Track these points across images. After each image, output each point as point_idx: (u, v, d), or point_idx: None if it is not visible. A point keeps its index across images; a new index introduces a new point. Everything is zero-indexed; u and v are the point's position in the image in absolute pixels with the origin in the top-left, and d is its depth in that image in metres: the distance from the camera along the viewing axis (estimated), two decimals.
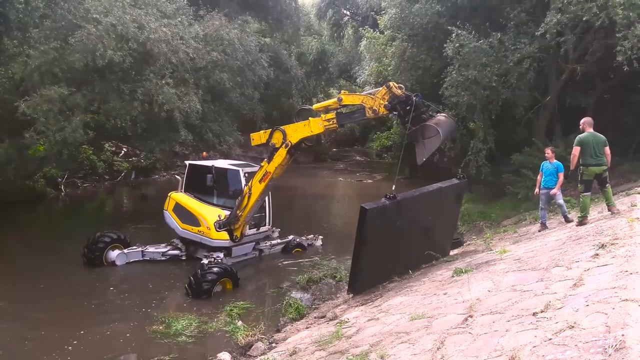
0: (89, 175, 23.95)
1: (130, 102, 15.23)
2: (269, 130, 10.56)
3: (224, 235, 11.28)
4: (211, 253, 11.55)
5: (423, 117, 8.55)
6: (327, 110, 9.65)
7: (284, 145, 10.09)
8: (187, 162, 13.72)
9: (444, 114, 8.91)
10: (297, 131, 10.01)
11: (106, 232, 12.06)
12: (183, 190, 12.91)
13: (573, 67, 15.32)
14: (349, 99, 9.21)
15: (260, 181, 10.56)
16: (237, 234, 11.29)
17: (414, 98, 8.42)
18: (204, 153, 15.03)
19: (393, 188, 8.05)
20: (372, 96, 8.89)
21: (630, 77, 14.24)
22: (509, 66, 14.80)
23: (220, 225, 11.08)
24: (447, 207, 9.41)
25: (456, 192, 9.58)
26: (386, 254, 8.36)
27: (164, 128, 16.69)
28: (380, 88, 9.01)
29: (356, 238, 7.87)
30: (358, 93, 9.37)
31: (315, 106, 10.04)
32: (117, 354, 7.40)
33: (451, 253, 10.93)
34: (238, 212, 10.91)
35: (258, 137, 10.82)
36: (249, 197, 10.69)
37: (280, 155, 10.18)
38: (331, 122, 9.51)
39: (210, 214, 11.59)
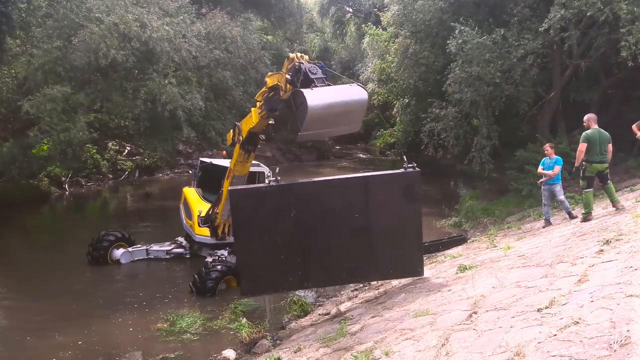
0: (93, 174, 24.02)
1: (133, 100, 15.28)
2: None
3: (205, 231, 11.33)
4: (215, 251, 11.57)
5: (312, 86, 7.17)
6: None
7: (237, 141, 9.63)
8: (200, 159, 13.85)
9: (355, 83, 7.41)
10: (245, 124, 9.42)
11: (110, 230, 12.09)
12: (195, 186, 13.03)
13: (577, 63, 15.27)
14: (270, 80, 8.16)
15: (227, 178, 10.51)
16: (219, 231, 11.22)
17: (302, 65, 7.29)
18: (224, 152, 15.00)
19: (277, 171, 7.30)
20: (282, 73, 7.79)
21: (635, 73, 14.19)
22: (513, 62, 14.75)
23: (201, 221, 11.08)
24: (390, 205, 7.24)
25: (402, 185, 7.30)
26: (286, 253, 7.11)
27: (167, 126, 16.73)
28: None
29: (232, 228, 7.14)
30: (280, 72, 8.03)
31: (257, 96, 9.06)
32: (122, 352, 7.42)
33: (454, 250, 10.96)
34: (215, 209, 10.90)
35: (229, 137, 10.37)
36: (222, 194, 10.66)
37: (236, 152, 9.77)
38: (262, 110, 8.60)
39: (201, 209, 11.69)
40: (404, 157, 7.61)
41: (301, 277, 7.31)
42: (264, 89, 8.50)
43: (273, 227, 7.03)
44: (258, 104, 8.78)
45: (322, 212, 7.17)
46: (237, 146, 9.67)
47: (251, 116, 9.13)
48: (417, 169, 7.24)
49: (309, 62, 7.36)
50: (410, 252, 7.42)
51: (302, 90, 6.92)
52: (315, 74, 7.22)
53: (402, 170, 7.32)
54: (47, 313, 8.80)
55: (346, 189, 7.44)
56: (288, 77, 7.37)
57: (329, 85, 7.31)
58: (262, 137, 9.60)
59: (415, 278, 8.08)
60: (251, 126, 9.17)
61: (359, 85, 7.33)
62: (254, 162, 12.87)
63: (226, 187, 10.38)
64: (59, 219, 18.65)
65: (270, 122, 8.89)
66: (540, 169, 10.41)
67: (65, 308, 9.05)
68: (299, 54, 7.60)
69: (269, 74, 8.53)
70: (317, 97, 6.85)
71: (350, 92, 7.25)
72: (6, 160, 15.94)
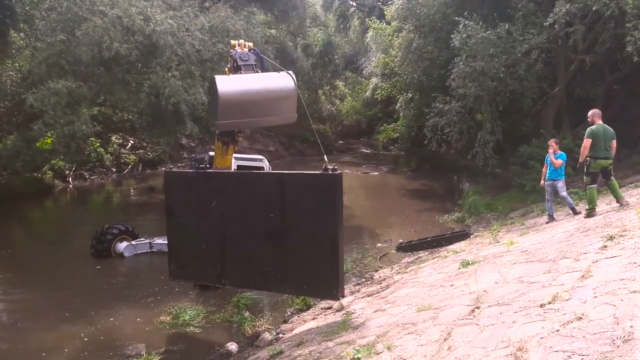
0: (96, 167, 24.10)
1: (137, 94, 15.27)
2: None
3: None
4: None
5: (238, 72, 6.98)
6: None
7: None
8: (209, 153, 13.79)
9: (285, 71, 6.80)
10: None
11: (114, 224, 12.12)
12: None
13: (582, 58, 15.18)
14: (227, 70, 8.03)
15: None
16: None
17: (232, 52, 7.04)
18: (235, 147, 14.88)
19: (206, 158, 7.19)
20: None
21: None
22: (517, 57, 14.67)
23: None
24: (305, 211, 6.30)
25: (318, 189, 6.25)
26: (208, 246, 6.99)
27: (171, 120, 16.72)
28: None
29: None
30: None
31: None
32: (125, 344, 7.46)
33: (457, 245, 10.95)
34: None
35: None
36: None
37: (215, 143, 9.83)
38: None
39: None
40: (325, 157, 6.49)
41: (219, 272, 7.09)
42: None
43: (198, 216, 6.99)
44: None
45: (241, 206, 6.75)
46: (215, 138, 9.57)
47: None
48: (338, 171, 6.00)
49: (250, 50, 7.15)
50: (324, 269, 6.22)
51: (215, 76, 6.71)
52: (246, 60, 7.00)
53: (319, 172, 6.21)
54: (50, 306, 8.84)
55: (263, 186, 6.82)
56: (229, 65, 7.28)
57: (256, 72, 7.00)
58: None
59: (417, 274, 8.08)
60: None
61: (288, 73, 6.87)
62: (257, 156, 12.84)
63: None
64: (63, 212, 18.73)
65: None
66: (544, 168, 10.39)
67: (68, 301, 9.09)
68: (240, 41, 7.36)
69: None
70: (230, 84, 6.51)
71: (275, 80, 6.79)
72: (10, 154, 15.99)
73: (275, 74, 6.93)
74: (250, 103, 6.58)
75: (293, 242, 6.43)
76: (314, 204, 6.18)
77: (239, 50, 7.05)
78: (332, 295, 6.42)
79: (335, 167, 6.06)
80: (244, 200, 6.73)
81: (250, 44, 7.39)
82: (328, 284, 6.25)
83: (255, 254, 6.71)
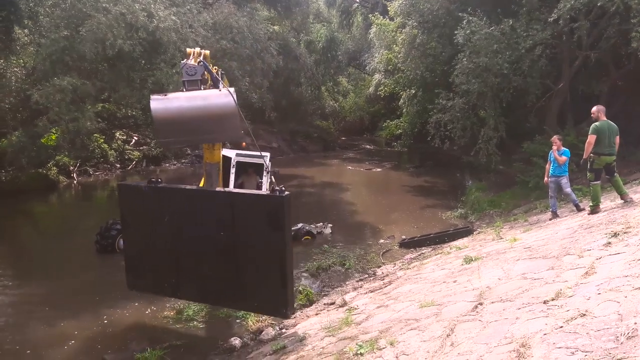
0: (101, 163, 24.19)
1: (141, 90, 15.31)
2: None
3: None
4: None
5: (181, 88, 6.87)
6: None
7: None
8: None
9: (226, 88, 6.53)
10: None
11: (118, 219, 12.13)
12: None
13: (586, 54, 15.10)
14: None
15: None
16: None
17: (182, 62, 6.87)
18: (244, 143, 14.91)
19: (158, 172, 7.27)
20: None
21: None
22: (521, 53, 14.62)
23: None
24: (254, 231, 6.34)
25: (266, 210, 6.24)
26: (162, 257, 7.00)
27: None
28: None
29: None
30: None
31: None
32: (129, 339, 7.51)
33: (460, 241, 10.96)
34: None
35: None
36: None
37: None
38: None
39: None
40: (272, 178, 6.59)
41: (174, 285, 7.11)
42: None
43: (152, 229, 6.95)
44: None
45: (192, 223, 6.75)
46: None
47: None
48: (286, 193, 5.99)
49: (199, 62, 6.90)
50: (273, 288, 6.27)
51: (151, 96, 6.57)
52: (192, 75, 6.78)
53: (267, 192, 6.23)
54: (54, 301, 8.89)
55: (213, 204, 6.79)
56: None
57: (200, 88, 6.83)
58: None
59: (420, 270, 8.07)
60: None
61: (228, 90, 6.62)
62: (261, 152, 12.77)
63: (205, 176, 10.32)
64: (67, 207, 18.79)
65: None
66: (548, 165, 10.39)
67: (72, 296, 9.14)
68: (196, 50, 7.14)
69: None
70: (163, 102, 6.37)
71: (212, 99, 6.56)
72: (15, 150, 16.08)
73: (215, 91, 6.70)
74: (186, 122, 6.40)
75: (243, 261, 6.46)
76: (263, 225, 6.20)
77: (188, 63, 6.82)
78: (282, 313, 6.51)
79: (283, 188, 6.06)
80: (195, 217, 6.72)
81: (207, 52, 7.23)
82: (278, 303, 6.34)
83: (208, 271, 6.75)
